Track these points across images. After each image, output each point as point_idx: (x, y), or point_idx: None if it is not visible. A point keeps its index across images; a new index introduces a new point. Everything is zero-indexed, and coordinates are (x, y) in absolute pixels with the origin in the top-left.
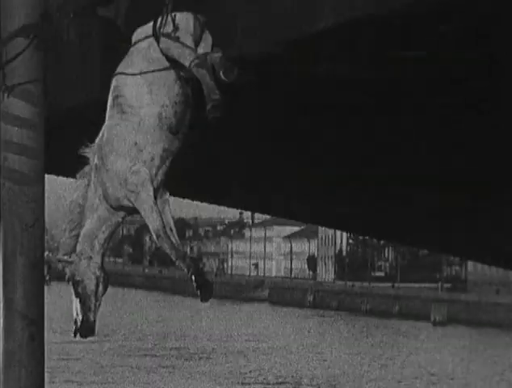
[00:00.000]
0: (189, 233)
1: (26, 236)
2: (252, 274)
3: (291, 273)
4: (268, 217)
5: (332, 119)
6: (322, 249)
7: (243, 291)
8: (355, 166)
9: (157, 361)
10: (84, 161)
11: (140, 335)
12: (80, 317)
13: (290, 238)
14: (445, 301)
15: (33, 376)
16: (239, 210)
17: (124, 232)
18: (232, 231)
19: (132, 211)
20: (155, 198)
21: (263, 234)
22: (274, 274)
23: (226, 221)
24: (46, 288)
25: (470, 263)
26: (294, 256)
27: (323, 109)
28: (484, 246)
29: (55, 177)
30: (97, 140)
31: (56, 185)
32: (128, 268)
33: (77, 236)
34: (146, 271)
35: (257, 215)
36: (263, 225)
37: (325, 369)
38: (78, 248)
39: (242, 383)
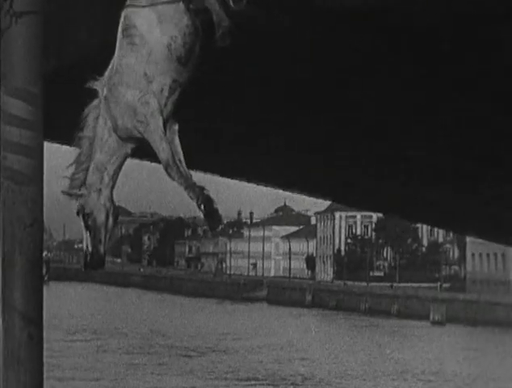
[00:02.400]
0: (188, 232)
1: (24, 236)
2: (251, 274)
3: (289, 273)
4: (266, 216)
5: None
6: (321, 248)
7: (242, 291)
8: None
9: (154, 359)
10: (92, 95)
11: (138, 333)
12: (90, 249)
13: (288, 237)
14: (444, 301)
15: (32, 375)
16: (237, 210)
17: (123, 232)
18: (230, 231)
19: (141, 142)
20: (164, 129)
21: (262, 234)
22: (272, 274)
23: (225, 221)
24: (44, 287)
25: (469, 263)
26: (292, 256)
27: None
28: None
29: (51, 178)
30: (106, 72)
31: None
32: (127, 268)
33: (87, 169)
34: (142, 270)
35: (255, 214)
36: (262, 224)
37: (323, 367)
38: (88, 181)
39: (238, 379)
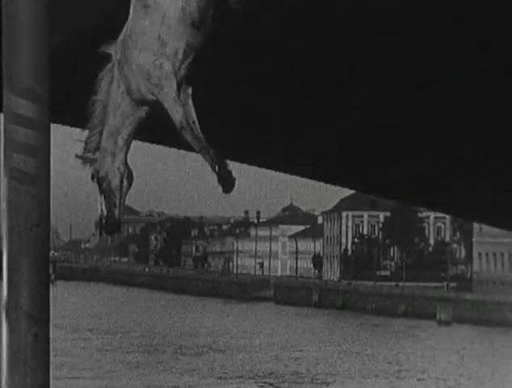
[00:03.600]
0: (194, 232)
1: (31, 235)
2: (257, 273)
3: (296, 272)
4: (273, 216)
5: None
6: (327, 248)
7: (248, 290)
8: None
9: (156, 358)
10: (106, 59)
11: (143, 332)
12: (105, 214)
13: (295, 237)
14: (450, 301)
15: (38, 375)
16: (244, 209)
17: (130, 231)
18: (237, 230)
19: (155, 105)
20: (178, 92)
21: (269, 233)
22: (279, 273)
23: (231, 220)
24: (51, 287)
25: (475, 263)
26: (299, 255)
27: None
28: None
29: (59, 176)
30: (120, 36)
31: (62, 182)
32: (133, 267)
33: (101, 133)
34: (147, 270)
35: (262, 214)
36: (268, 224)
37: (330, 366)
38: (102, 145)
39: (238, 377)
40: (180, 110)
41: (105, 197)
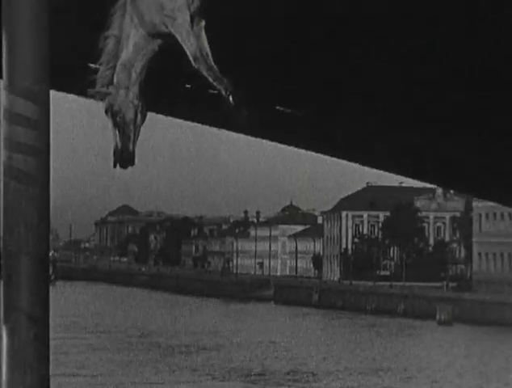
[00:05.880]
0: (194, 232)
1: (31, 236)
2: (257, 273)
3: (296, 272)
4: (273, 215)
5: None
6: (327, 248)
7: (248, 290)
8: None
9: (152, 356)
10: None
11: (142, 331)
12: (119, 147)
13: (295, 236)
14: (450, 300)
15: (38, 375)
16: (244, 209)
17: (129, 231)
18: (237, 230)
19: (168, 37)
20: (191, 24)
21: (268, 233)
22: (279, 273)
23: (231, 220)
24: (50, 287)
25: (475, 262)
26: (299, 255)
27: None
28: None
29: (57, 178)
30: None
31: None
32: (133, 267)
33: (114, 67)
34: (143, 269)
35: (262, 214)
36: (268, 223)
37: (331, 365)
38: (115, 79)
39: (239, 375)
40: (194, 41)
41: (119, 131)
